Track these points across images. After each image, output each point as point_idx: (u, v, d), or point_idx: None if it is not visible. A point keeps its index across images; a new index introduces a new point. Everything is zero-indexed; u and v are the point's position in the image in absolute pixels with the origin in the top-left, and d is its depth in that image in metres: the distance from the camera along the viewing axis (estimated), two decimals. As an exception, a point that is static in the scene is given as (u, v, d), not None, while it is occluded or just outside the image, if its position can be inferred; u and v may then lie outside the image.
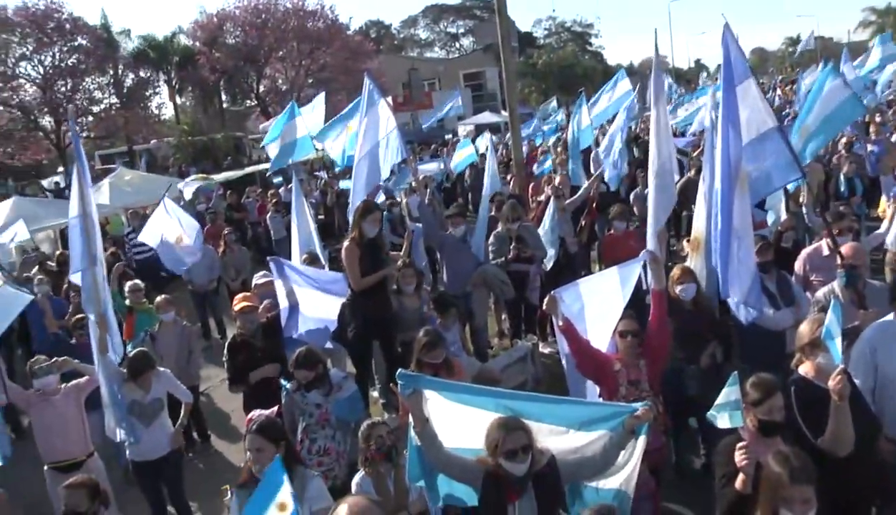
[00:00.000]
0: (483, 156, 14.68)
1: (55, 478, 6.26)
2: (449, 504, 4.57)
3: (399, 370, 4.30)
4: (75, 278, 6.70)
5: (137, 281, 9.65)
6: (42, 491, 6.68)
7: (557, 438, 4.14)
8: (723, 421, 4.00)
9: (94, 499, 4.67)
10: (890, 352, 4.78)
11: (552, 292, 5.51)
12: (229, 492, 4.92)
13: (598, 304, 5.69)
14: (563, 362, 5.95)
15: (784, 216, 8.57)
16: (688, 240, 7.10)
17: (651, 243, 6.86)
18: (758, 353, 6.27)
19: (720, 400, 3.95)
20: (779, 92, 23.98)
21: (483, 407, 4.15)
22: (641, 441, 4.04)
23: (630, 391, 5.30)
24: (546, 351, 9.24)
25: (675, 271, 6.46)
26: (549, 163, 15.73)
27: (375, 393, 8.39)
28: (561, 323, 5.37)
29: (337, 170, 16.11)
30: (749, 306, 6.06)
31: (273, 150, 12.03)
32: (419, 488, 4.81)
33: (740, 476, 3.72)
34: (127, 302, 9.31)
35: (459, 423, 4.22)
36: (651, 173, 7.08)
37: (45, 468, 6.53)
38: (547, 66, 59.25)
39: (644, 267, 5.85)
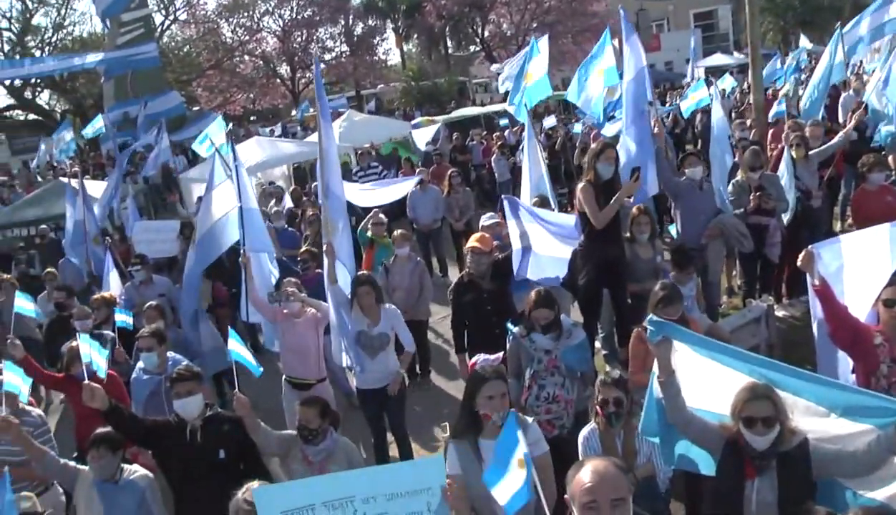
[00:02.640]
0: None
1: (290, 392, 6.89)
2: (681, 469, 4.32)
3: (650, 316, 4.06)
4: None
5: (381, 214, 10.03)
6: (276, 402, 7.24)
7: (815, 419, 3.61)
8: None
9: (324, 418, 4.93)
10: None
11: (809, 247, 4.86)
12: (448, 429, 4.96)
13: (861, 266, 4.99)
14: (814, 328, 5.30)
15: None
16: None
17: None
18: None
19: None
20: None
21: (735, 369, 3.77)
22: None
23: (893, 370, 4.56)
24: (781, 314, 8.49)
25: None
26: (778, 106, 14.35)
27: (598, 344, 8.14)
28: (817, 283, 4.74)
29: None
30: None
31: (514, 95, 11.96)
32: (648, 453, 4.60)
33: None
34: (369, 234, 9.74)
35: (707, 383, 3.89)
36: None
37: (283, 379, 7.07)
38: (788, 1, 54.37)
39: None
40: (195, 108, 38.67)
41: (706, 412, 3.90)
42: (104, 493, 4.77)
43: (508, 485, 3.39)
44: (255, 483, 3.81)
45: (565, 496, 2.75)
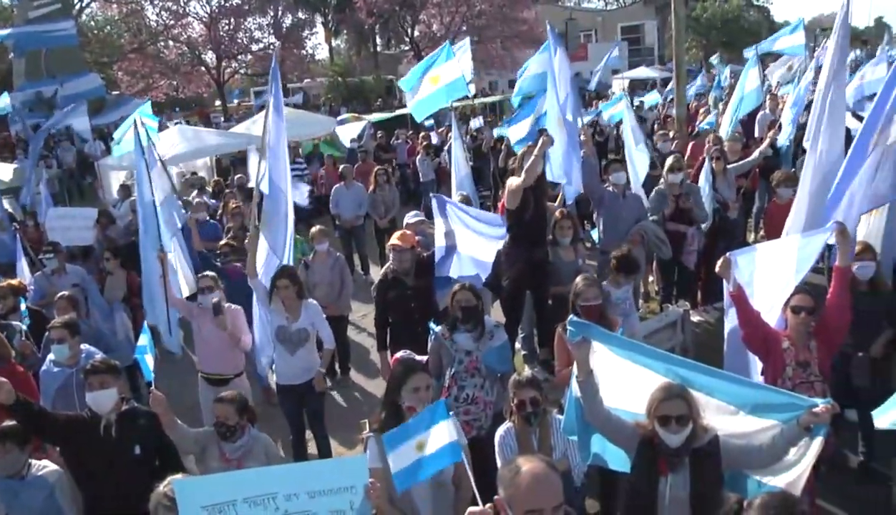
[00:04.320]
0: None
1: (206, 388, 6.78)
2: (594, 465, 4.42)
3: (571, 316, 4.13)
4: None
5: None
6: (192, 400, 7.12)
7: (725, 417, 3.80)
8: (882, 421, 3.57)
9: (242, 414, 4.83)
10: None
11: (727, 254, 5.10)
12: (367, 426, 4.94)
13: (772, 274, 5.21)
14: (726, 332, 5.55)
15: None
16: None
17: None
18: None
19: None
20: None
21: (651, 369, 3.89)
22: (817, 443, 3.54)
23: (797, 373, 4.88)
24: (696, 319, 8.79)
25: (856, 247, 5.89)
26: (708, 118, 14.88)
27: (517, 345, 8.23)
28: (732, 289, 4.97)
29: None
30: None
31: (426, 89, 11.94)
32: (564, 449, 4.68)
33: None
34: None
35: (623, 382, 3.99)
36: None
37: (199, 376, 6.97)
38: (710, 20, 56.28)
39: None
40: (115, 93, 37.49)
41: (622, 411, 4.00)
42: (6, 490, 4.59)
43: (402, 457, 3.60)
44: (178, 476, 3.71)
45: (496, 497, 2.76)
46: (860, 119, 8.17)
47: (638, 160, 10.30)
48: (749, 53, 13.92)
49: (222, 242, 9.05)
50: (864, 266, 5.83)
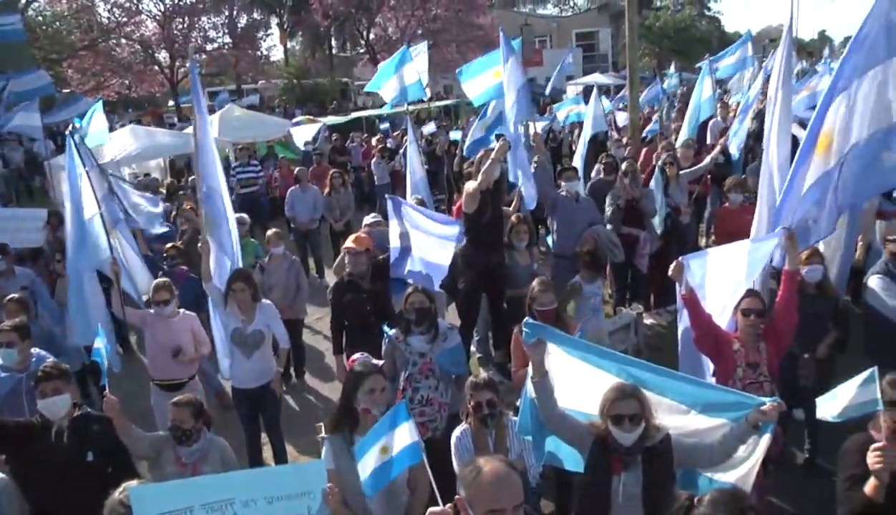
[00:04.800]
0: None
1: (160, 395, 6.65)
2: (549, 465, 4.48)
3: (526, 318, 4.17)
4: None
5: (244, 214, 9.92)
6: (145, 405, 6.99)
7: (677, 417, 3.89)
8: (824, 411, 3.72)
9: (198, 418, 4.78)
10: None
11: (680, 258, 5.22)
12: (323, 429, 4.93)
13: (722, 277, 5.36)
14: (679, 334, 5.66)
15: None
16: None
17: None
18: (886, 348, 5.83)
19: (854, 399, 3.62)
20: None
21: (605, 370, 3.96)
22: (765, 440, 3.66)
23: (747, 374, 5.00)
24: (649, 322, 8.94)
25: (805, 252, 6.07)
26: (650, 125, 15.20)
27: (472, 347, 8.28)
28: (685, 292, 5.09)
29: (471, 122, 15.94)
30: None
31: (387, 93, 11.97)
32: (519, 450, 4.73)
33: (872, 481, 3.38)
34: None
35: (578, 383, 4.05)
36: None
37: (151, 383, 6.83)
38: (663, 29, 57.23)
39: None
40: (65, 91, 36.62)
41: (576, 411, 4.06)
42: None
43: (368, 463, 3.62)
44: (133, 483, 3.65)
45: (457, 496, 2.78)
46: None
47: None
48: (702, 64, 14.29)
49: (168, 245, 8.89)
50: (812, 269, 6.02)
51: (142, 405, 7.09)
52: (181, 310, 6.79)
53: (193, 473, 4.56)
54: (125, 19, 39.98)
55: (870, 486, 3.40)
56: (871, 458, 3.36)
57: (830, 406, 3.75)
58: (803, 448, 6.39)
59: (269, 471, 3.82)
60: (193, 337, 6.76)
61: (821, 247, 6.42)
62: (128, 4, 39.70)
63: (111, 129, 14.85)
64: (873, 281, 6.14)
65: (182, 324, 6.73)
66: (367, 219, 8.40)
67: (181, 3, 40.59)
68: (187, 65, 40.46)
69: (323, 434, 4.63)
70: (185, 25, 40.96)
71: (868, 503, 3.41)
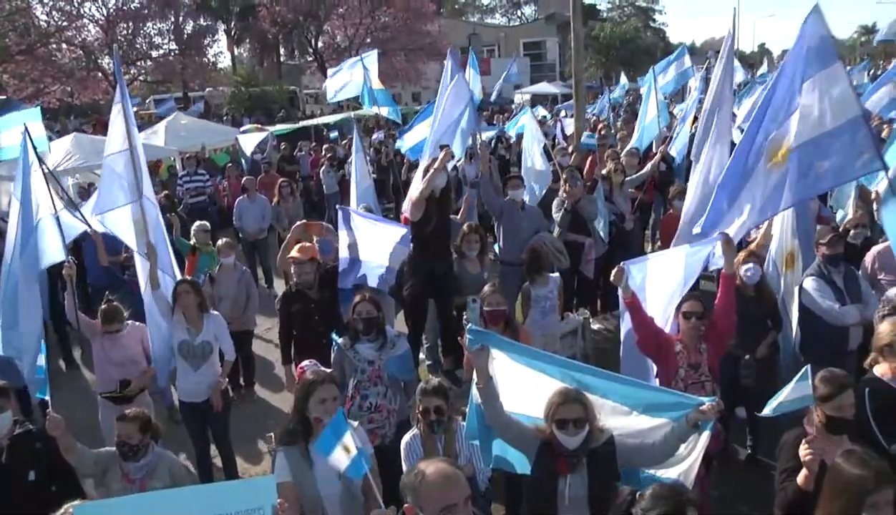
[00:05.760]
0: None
1: (108, 408, 6.50)
2: (497, 469, 4.55)
3: (469, 325, 4.24)
4: (106, 218, 6.62)
5: (205, 222, 9.83)
6: (91, 419, 6.85)
7: (619, 418, 4.01)
8: (767, 409, 3.89)
9: (145, 432, 4.71)
10: None
11: (621, 263, 5.35)
12: (273, 441, 4.90)
13: (661, 281, 5.52)
14: (622, 337, 5.81)
15: (852, 213, 8.25)
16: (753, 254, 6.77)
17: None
18: (819, 347, 6.10)
19: (790, 394, 3.80)
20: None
21: (549, 375, 4.05)
22: (704, 437, 3.82)
23: (689, 374, 5.15)
24: (596, 327, 9.09)
25: (742, 254, 6.27)
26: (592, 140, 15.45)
27: (422, 355, 8.33)
28: (627, 297, 5.23)
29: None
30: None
31: (347, 92, 12.00)
32: (468, 455, 4.78)
33: (803, 472, 3.58)
34: (192, 241, 9.43)
35: (522, 388, 4.14)
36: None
37: (99, 397, 6.69)
38: (609, 40, 58.20)
39: None
40: (1, 97, 35.58)
41: (522, 415, 4.14)
42: None
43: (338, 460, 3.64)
44: (77, 502, 3.56)
45: (406, 504, 2.81)
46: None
47: (536, 174, 10.61)
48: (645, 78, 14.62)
49: (124, 255, 8.74)
50: (750, 269, 6.22)
51: (86, 419, 6.95)
52: (129, 322, 6.68)
53: (141, 489, 4.50)
54: (66, 23, 38.85)
55: (801, 476, 3.59)
56: (802, 450, 3.56)
57: (772, 403, 3.92)
58: (746, 445, 6.63)
59: (217, 487, 3.78)
60: (144, 349, 6.67)
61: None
62: (69, 7, 38.63)
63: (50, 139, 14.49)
64: (807, 283, 6.32)
65: (131, 337, 6.63)
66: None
67: (125, 7, 39.78)
68: (132, 71, 40.10)
69: (272, 446, 4.61)
70: (130, 31, 40.18)
71: (800, 492, 3.60)
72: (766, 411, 3.91)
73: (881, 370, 4.42)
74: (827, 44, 5.28)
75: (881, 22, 57.38)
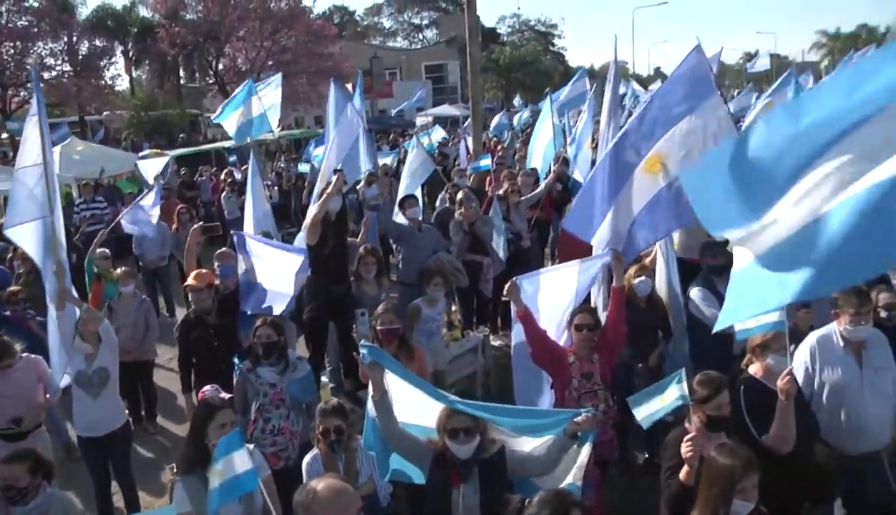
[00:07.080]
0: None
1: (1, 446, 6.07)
2: (396, 481, 4.66)
3: (363, 342, 4.35)
4: (14, 232, 6.33)
5: (105, 249, 9.63)
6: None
7: (507, 439, 4.24)
8: (639, 413, 4.18)
9: (36, 473, 4.46)
10: (828, 362, 5.00)
11: (514, 278, 5.59)
12: (175, 470, 4.85)
13: (553, 295, 5.78)
14: (513, 351, 6.01)
15: None
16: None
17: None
18: (706, 353, 6.38)
19: (665, 399, 4.10)
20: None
21: (436, 399, 4.23)
22: (586, 448, 4.08)
23: (582, 384, 5.38)
24: (496, 343, 9.28)
25: (633, 267, 6.61)
26: (484, 162, 15.80)
27: (325, 378, 8.37)
28: (520, 310, 5.45)
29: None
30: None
31: (230, 126, 11.88)
32: (369, 472, 4.88)
33: (685, 468, 3.86)
34: (95, 269, 9.21)
35: (415, 400, 4.28)
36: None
37: None
38: (509, 63, 59.43)
39: None
40: None
41: (416, 426, 4.30)
42: None
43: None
44: None
45: None
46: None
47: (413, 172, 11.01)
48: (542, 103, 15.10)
49: (9, 289, 8.36)
50: (643, 281, 6.55)
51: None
52: (24, 354, 6.32)
53: (30, 535, 4.24)
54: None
55: (683, 472, 3.88)
56: (683, 448, 3.86)
57: (644, 410, 4.20)
58: (643, 450, 6.94)
59: None
60: (42, 382, 6.32)
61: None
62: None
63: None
64: (694, 293, 6.65)
65: (27, 372, 6.24)
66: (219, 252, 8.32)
67: (11, 25, 37.81)
68: (21, 94, 38.07)
69: (173, 476, 4.55)
70: (18, 51, 38.21)
71: (682, 487, 3.88)
72: (642, 421, 4.21)
73: (754, 369, 4.81)
74: (706, 77, 5.63)
75: (762, 48, 60.83)
